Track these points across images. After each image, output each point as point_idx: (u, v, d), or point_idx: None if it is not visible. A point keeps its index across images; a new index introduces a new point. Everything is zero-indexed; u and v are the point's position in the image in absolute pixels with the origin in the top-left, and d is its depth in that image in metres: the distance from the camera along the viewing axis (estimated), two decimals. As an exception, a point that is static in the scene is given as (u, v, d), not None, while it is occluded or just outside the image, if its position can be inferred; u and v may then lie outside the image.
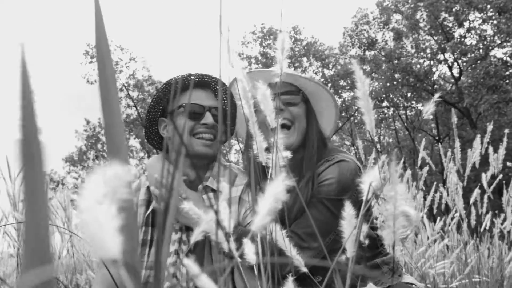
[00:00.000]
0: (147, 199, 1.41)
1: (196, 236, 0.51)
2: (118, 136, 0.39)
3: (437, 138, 20.26)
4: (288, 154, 0.89)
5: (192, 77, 1.35)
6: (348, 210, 0.67)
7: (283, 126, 1.39)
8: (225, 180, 1.39)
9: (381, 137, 25.20)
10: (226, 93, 1.42)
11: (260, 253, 0.72)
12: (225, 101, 1.45)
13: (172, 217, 0.34)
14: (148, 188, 1.42)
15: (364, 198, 0.62)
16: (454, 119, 2.47)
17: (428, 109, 0.71)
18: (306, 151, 1.41)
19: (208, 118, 1.34)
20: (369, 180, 0.63)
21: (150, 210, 1.36)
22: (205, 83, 1.39)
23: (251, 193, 1.30)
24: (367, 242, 0.66)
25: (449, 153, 2.73)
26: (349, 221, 0.65)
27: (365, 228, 0.66)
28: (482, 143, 2.59)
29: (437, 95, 0.72)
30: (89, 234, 0.27)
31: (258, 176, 1.38)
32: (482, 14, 17.50)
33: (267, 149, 0.80)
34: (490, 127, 2.44)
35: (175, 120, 1.35)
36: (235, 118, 1.50)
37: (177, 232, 1.30)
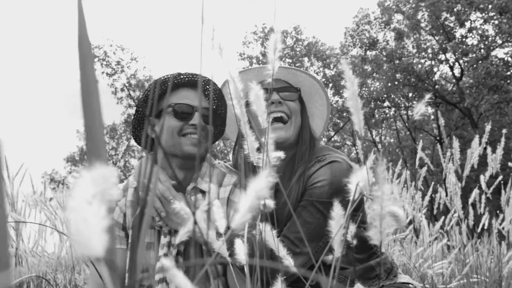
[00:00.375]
0: (135, 200, 1.40)
1: (181, 236, 0.51)
2: (98, 136, 0.39)
3: (438, 138, 20.22)
4: (281, 154, 0.89)
5: (182, 76, 1.32)
6: (336, 210, 0.67)
7: (280, 119, 1.39)
8: (213, 180, 1.37)
9: (382, 137, 25.18)
10: (216, 93, 1.41)
11: (247, 254, 0.72)
12: (214, 101, 1.44)
13: (148, 218, 0.34)
14: (136, 189, 1.40)
15: (351, 198, 0.62)
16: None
17: (418, 109, 0.71)
18: (298, 148, 1.42)
19: (196, 119, 1.31)
20: (356, 180, 0.63)
21: (138, 212, 1.35)
22: (195, 82, 1.37)
23: (241, 194, 1.30)
24: (355, 242, 0.66)
25: (448, 154, 2.73)
26: (337, 221, 0.65)
27: (352, 228, 0.66)
28: (481, 143, 2.58)
29: (428, 96, 0.72)
30: (76, 233, 0.28)
31: (249, 176, 1.38)
32: (483, 14, 17.47)
33: (258, 149, 0.80)
34: (488, 128, 2.43)
35: (163, 120, 1.33)
36: (225, 118, 1.48)
37: (166, 236, 1.29)
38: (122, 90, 23.77)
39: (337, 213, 0.65)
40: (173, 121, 1.31)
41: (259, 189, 0.43)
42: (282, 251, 0.75)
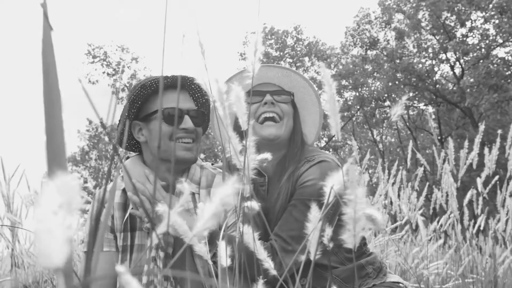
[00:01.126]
0: (123, 202, 1.38)
1: (154, 238, 0.51)
2: (58, 144, 0.39)
3: (439, 138, 20.18)
4: (268, 155, 0.89)
5: (168, 79, 1.32)
6: (314, 212, 0.67)
7: (272, 119, 1.41)
8: (202, 182, 1.37)
9: (383, 137, 25.15)
10: (199, 91, 1.40)
11: (230, 256, 0.73)
12: (199, 99, 1.43)
13: (107, 217, 0.34)
14: (124, 190, 1.39)
15: (325, 202, 0.63)
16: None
17: (396, 111, 0.71)
18: (290, 149, 1.44)
19: (187, 123, 1.31)
20: (331, 183, 0.64)
21: (127, 215, 1.34)
22: (181, 84, 1.36)
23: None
24: (331, 245, 0.66)
25: (442, 154, 2.73)
26: (313, 222, 0.65)
27: (329, 230, 0.67)
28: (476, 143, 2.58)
29: (405, 98, 0.72)
30: (39, 243, 0.28)
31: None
32: (484, 13, 17.43)
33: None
34: (482, 127, 2.43)
35: (152, 125, 1.32)
36: (209, 113, 1.47)
37: None
38: (122, 90, 23.80)
39: (314, 214, 0.66)
40: (163, 126, 1.30)
41: (225, 195, 0.44)
42: (262, 254, 0.75)
